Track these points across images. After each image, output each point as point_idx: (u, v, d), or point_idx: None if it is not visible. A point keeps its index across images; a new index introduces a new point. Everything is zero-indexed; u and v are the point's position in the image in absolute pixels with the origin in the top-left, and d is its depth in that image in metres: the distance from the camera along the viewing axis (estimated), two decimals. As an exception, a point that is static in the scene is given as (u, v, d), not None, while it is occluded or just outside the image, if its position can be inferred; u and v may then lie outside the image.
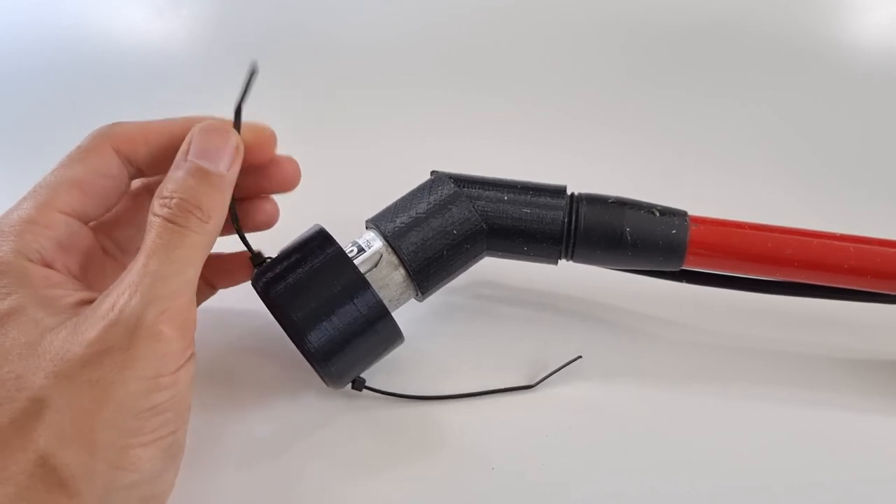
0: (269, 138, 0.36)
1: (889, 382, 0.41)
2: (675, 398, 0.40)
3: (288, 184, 0.38)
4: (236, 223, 0.35)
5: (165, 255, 0.28)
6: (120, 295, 0.28)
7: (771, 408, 0.40)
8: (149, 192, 0.37)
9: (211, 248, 0.31)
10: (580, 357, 0.40)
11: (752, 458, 0.38)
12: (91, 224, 0.34)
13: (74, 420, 0.26)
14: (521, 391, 0.39)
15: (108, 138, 0.33)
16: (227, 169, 0.31)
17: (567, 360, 0.40)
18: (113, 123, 0.34)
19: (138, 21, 0.63)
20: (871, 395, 0.40)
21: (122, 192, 0.34)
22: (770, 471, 0.37)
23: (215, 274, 0.39)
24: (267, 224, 0.39)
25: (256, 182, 0.37)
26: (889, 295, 0.39)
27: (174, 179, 0.30)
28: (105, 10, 0.64)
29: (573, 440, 0.38)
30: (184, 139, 0.33)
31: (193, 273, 0.30)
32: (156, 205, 0.30)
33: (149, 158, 0.34)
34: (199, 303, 0.39)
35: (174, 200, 0.30)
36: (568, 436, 0.38)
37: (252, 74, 0.32)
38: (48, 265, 0.31)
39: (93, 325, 0.27)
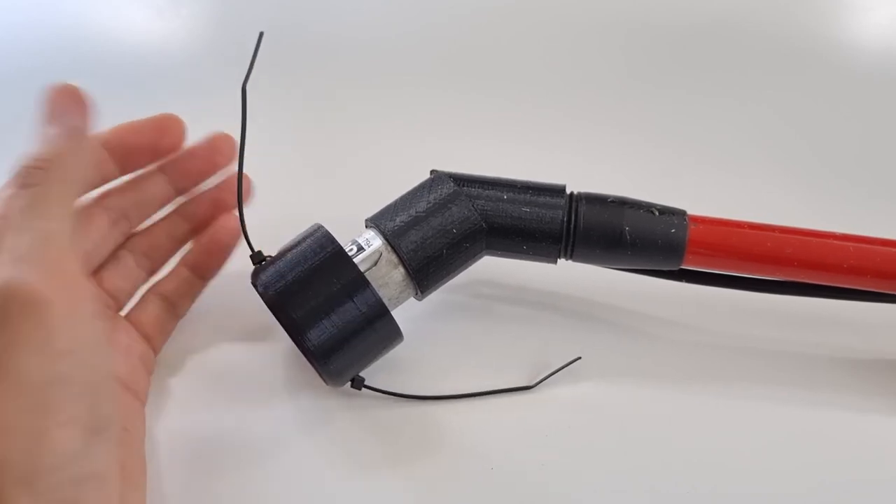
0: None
1: (890, 382, 0.41)
2: (675, 398, 0.40)
3: (221, 157, 0.40)
4: (241, 215, 0.36)
5: (16, 223, 0.28)
6: None
7: (771, 408, 0.40)
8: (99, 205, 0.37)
9: (69, 199, 0.30)
10: (580, 358, 0.40)
11: (752, 459, 0.38)
12: None
13: None
14: (521, 392, 0.39)
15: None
16: (72, 121, 0.31)
17: (566, 362, 0.40)
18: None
19: (138, 21, 0.63)
20: (872, 395, 0.40)
21: None
22: (771, 471, 0.37)
23: (199, 262, 0.40)
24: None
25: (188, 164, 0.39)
26: (890, 294, 0.39)
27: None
28: (105, 10, 0.64)
29: (573, 440, 0.38)
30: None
31: (56, 227, 0.28)
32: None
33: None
34: (192, 297, 0.40)
35: (18, 169, 0.29)
36: (567, 436, 0.38)
37: (258, 44, 0.35)
38: None
39: None
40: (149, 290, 0.39)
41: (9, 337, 0.25)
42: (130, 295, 0.39)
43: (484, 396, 0.39)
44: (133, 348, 0.37)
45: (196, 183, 0.40)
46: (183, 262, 0.40)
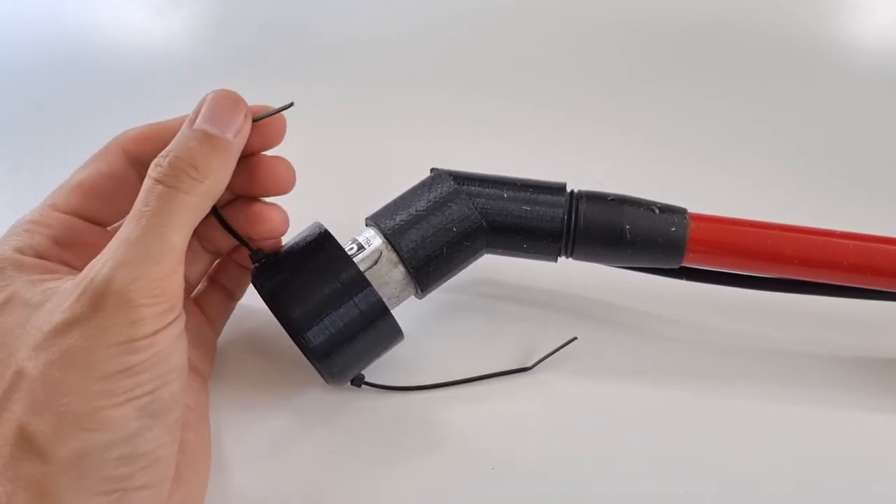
0: (281, 126, 0.35)
1: (890, 381, 0.41)
2: (675, 396, 0.40)
3: (279, 185, 0.36)
4: (228, 222, 0.35)
5: (146, 220, 0.28)
6: (95, 263, 0.27)
7: (771, 407, 0.40)
8: None
9: (204, 213, 0.30)
10: (575, 339, 0.40)
11: (752, 458, 0.37)
12: (112, 226, 0.35)
13: (45, 388, 0.26)
14: (518, 374, 0.40)
15: (118, 141, 0.34)
16: (234, 136, 0.31)
17: (562, 343, 0.40)
18: (125, 130, 0.34)
19: (138, 21, 0.63)
20: (872, 394, 0.40)
21: (129, 191, 0.33)
22: (770, 470, 0.37)
23: (231, 280, 0.39)
24: (273, 232, 0.37)
25: (246, 180, 0.36)
26: (890, 292, 0.39)
27: (174, 141, 0.30)
28: (105, 10, 0.64)
29: (573, 439, 0.38)
30: None
31: (178, 239, 0.28)
32: (150, 168, 0.29)
33: (153, 155, 0.33)
34: (245, 284, 0.39)
35: (168, 159, 0.29)
36: (568, 435, 0.38)
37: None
38: (42, 258, 0.31)
39: (68, 294, 0.27)
40: (208, 277, 0.39)
41: (93, 328, 0.26)
42: (200, 277, 0.39)
43: (482, 383, 0.39)
44: (203, 333, 0.38)
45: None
46: (230, 254, 0.39)
